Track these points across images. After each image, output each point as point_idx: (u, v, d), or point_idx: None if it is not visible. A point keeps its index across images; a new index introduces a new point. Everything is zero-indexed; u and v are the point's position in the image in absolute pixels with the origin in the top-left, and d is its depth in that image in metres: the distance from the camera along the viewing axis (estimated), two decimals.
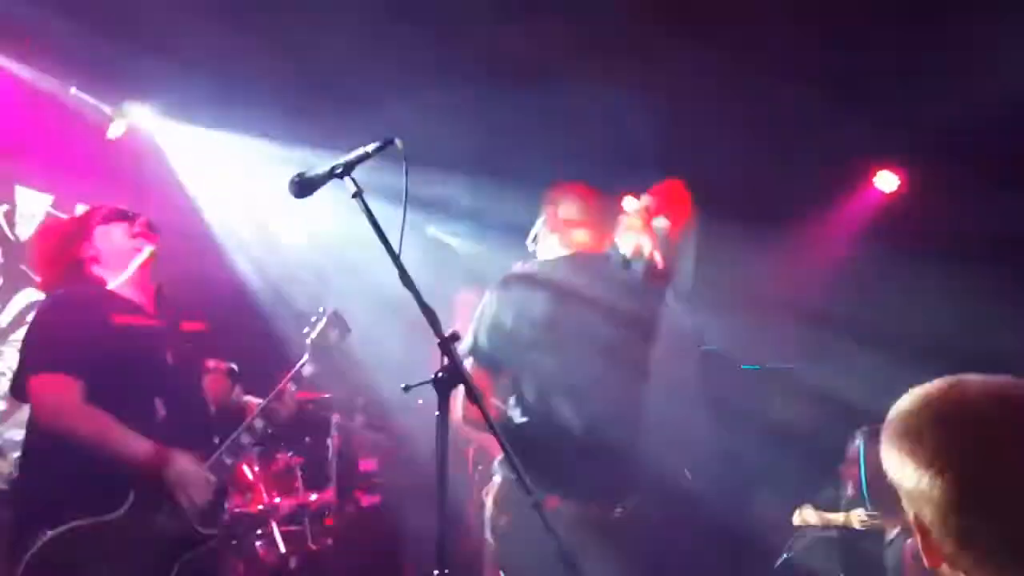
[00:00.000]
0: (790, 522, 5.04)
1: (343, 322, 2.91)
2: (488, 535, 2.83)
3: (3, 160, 5.21)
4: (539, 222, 3.08)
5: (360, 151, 2.21)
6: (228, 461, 2.65)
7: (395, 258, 2.12)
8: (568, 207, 3.02)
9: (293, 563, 4.45)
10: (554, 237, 3.01)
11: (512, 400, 2.82)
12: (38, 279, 2.89)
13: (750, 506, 5.26)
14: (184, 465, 2.53)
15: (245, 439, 2.69)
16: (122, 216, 2.81)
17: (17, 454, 3.43)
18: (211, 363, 2.83)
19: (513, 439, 2.08)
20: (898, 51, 4.47)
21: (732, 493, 5.33)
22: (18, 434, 3.69)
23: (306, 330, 2.86)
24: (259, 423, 2.71)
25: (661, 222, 2.83)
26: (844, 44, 4.42)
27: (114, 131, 5.26)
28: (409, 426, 6.10)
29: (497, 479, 2.86)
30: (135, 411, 2.56)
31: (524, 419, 2.76)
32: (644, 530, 2.78)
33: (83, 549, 2.41)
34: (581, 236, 2.99)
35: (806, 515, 5.01)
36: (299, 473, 4.90)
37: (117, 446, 2.48)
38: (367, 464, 5.97)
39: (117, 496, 2.48)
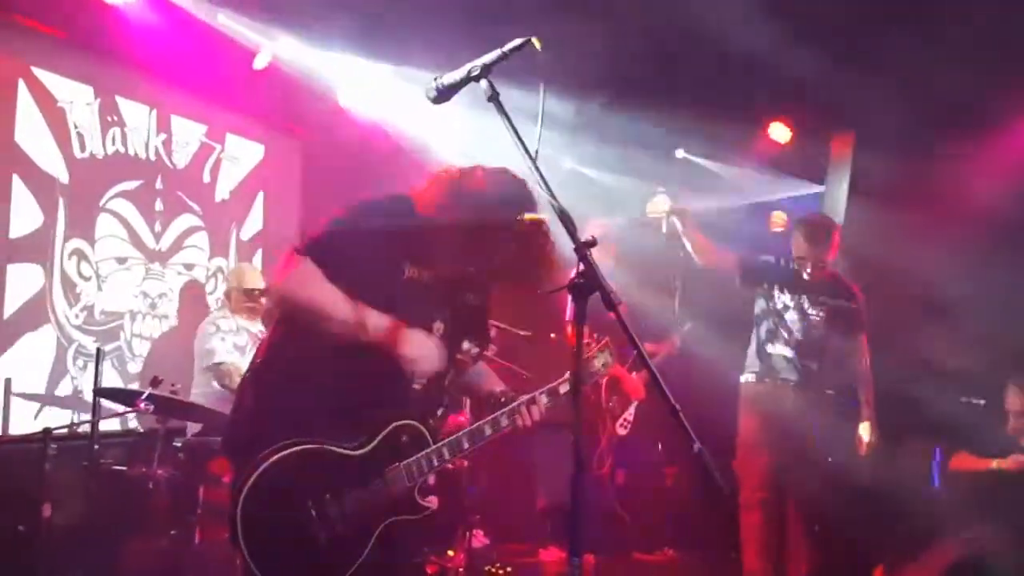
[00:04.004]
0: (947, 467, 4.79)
1: (610, 352, 2.59)
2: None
3: (161, 89, 5.45)
4: None
5: (497, 52, 2.16)
6: (466, 445, 2.45)
7: (532, 161, 2.08)
8: None
9: (431, 479, 4.56)
10: None
11: None
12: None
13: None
14: (424, 338, 2.39)
15: (488, 430, 2.47)
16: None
17: None
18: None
19: None
20: None
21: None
22: None
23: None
24: (504, 420, 2.47)
25: None
26: None
27: (259, 62, 5.34)
28: (537, 358, 6.12)
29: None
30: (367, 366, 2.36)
31: None
32: None
33: (305, 476, 2.26)
34: None
35: (963, 460, 4.76)
36: None
37: (353, 316, 2.32)
38: None
39: (363, 432, 2.37)
